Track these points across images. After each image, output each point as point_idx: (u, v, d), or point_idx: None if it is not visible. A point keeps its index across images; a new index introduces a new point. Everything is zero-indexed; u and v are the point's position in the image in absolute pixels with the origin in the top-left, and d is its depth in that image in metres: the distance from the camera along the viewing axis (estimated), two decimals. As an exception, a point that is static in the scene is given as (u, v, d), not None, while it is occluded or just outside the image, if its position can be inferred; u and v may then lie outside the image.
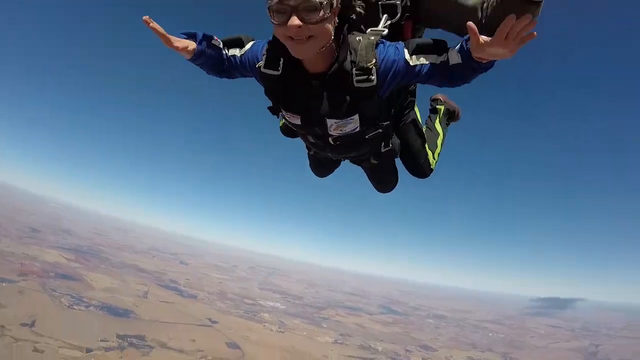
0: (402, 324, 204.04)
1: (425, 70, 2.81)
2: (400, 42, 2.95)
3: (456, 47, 2.72)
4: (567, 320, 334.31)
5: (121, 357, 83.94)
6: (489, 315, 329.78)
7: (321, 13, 2.54)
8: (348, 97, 2.94)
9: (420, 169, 4.26)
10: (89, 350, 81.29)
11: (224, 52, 3.27)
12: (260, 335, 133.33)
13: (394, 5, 3.20)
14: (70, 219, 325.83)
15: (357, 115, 3.04)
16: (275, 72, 2.98)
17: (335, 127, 3.15)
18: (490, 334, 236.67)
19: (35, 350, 71.25)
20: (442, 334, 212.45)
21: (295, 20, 2.51)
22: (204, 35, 3.10)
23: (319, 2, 2.52)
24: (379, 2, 3.21)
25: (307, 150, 4.16)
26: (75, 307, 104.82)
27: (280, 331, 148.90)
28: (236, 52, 3.28)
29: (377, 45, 2.82)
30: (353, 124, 3.09)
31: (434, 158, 4.31)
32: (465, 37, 2.60)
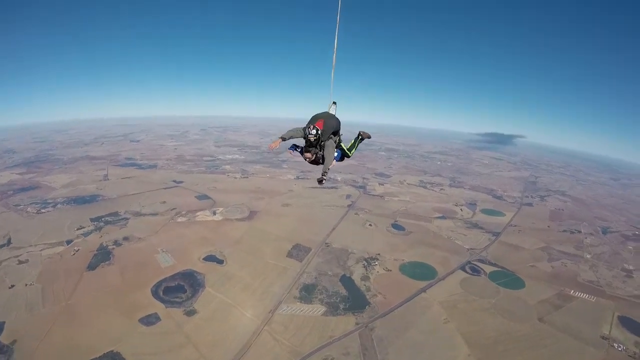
0: (357, 157, 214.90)
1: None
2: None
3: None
4: (509, 155, 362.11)
5: (101, 236, 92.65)
6: (437, 148, 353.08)
7: (313, 157, 13.37)
8: (318, 162, 13.71)
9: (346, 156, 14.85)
10: (69, 242, 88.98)
11: (297, 151, 14.06)
12: (226, 184, 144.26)
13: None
14: (6, 139, 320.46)
15: (320, 163, 13.90)
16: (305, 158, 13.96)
17: (315, 164, 14.01)
18: (439, 162, 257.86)
19: (20, 262, 78.28)
20: (395, 164, 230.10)
21: (307, 161, 13.62)
22: (296, 150, 14.08)
23: (311, 157, 13.39)
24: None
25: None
26: (44, 211, 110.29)
27: (244, 177, 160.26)
28: (298, 150, 13.92)
29: (321, 155, 13.72)
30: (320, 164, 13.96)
31: (349, 151, 14.75)
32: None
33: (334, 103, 16.00)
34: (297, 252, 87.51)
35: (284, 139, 13.20)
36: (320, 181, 13.49)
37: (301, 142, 14.12)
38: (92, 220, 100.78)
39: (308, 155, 13.64)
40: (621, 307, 74.70)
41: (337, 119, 14.41)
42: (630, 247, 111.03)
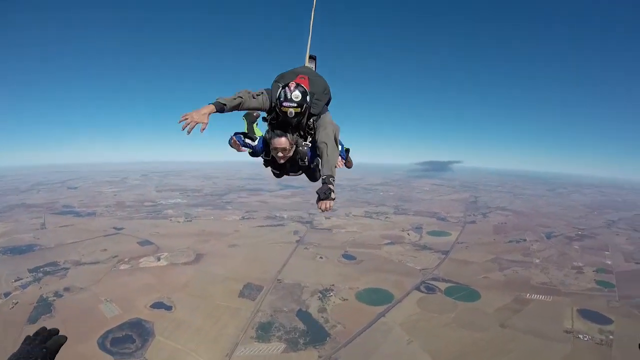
0: (301, 194, 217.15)
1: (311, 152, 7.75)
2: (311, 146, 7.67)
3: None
4: (448, 180, 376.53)
5: (40, 287, 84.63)
6: (379, 180, 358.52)
7: (290, 152, 7.41)
8: (297, 166, 7.95)
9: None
10: (7, 294, 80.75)
11: (249, 143, 7.89)
12: (169, 229, 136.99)
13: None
14: None
15: (300, 170, 8.27)
16: (268, 158, 7.90)
17: (292, 174, 8.37)
18: (382, 193, 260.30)
19: (-44, 321, 70.48)
20: (339, 197, 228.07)
21: (281, 160, 7.48)
22: (245, 141, 7.88)
23: (289, 150, 7.37)
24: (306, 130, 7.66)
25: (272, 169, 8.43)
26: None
27: (187, 221, 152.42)
28: (252, 142, 7.92)
29: (306, 150, 7.64)
30: (299, 174, 8.50)
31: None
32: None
33: (312, 57, 9.31)
34: (249, 291, 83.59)
35: (222, 109, 6.69)
36: (324, 195, 6.64)
37: (255, 131, 8.91)
38: (29, 271, 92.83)
39: (282, 144, 7.24)
40: (578, 301, 78.10)
41: (324, 80, 8.09)
42: (576, 247, 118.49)
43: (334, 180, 6.89)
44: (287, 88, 6.89)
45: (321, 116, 7.65)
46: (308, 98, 7.07)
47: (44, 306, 76.16)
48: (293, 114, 6.89)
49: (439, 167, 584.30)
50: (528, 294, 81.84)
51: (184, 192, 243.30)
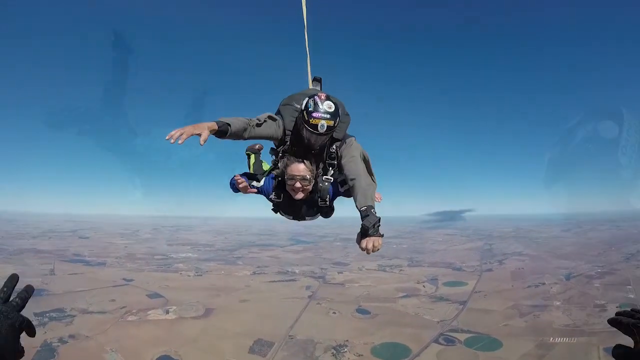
0: (313, 249, 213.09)
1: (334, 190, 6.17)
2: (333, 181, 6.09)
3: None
4: (461, 229, 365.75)
5: (45, 332, 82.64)
6: (391, 232, 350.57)
7: (310, 185, 5.72)
8: (315, 209, 6.35)
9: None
10: None
11: (254, 185, 6.26)
12: (179, 282, 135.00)
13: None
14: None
15: (319, 213, 6.52)
16: (279, 199, 6.20)
17: (308, 218, 6.56)
18: (395, 246, 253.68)
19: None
20: (351, 252, 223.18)
21: (299, 194, 5.75)
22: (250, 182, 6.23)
23: (310, 180, 5.68)
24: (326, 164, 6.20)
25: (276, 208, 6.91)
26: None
27: (198, 275, 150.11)
28: (256, 184, 6.30)
29: (328, 185, 6.05)
30: (316, 217, 6.65)
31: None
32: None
33: (317, 80, 7.80)
34: (260, 347, 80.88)
35: (225, 130, 5.23)
36: (374, 229, 5.36)
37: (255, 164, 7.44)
38: (35, 314, 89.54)
39: (301, 171, 5.81)
40: (604, 339, 74.06)
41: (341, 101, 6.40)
42: (597, 285, 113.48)
43: (375, 212, 5.43)
44: (316, 97, 5.60)
45: (346, 141, 6.20)
46: (340, 111, 5.73)
47: (48, 351, 74.16)
48: (325, 128, 5.49)
49: (451, 217, 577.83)
50: (551, 338, 77.93)
51: (195, 247, 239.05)
